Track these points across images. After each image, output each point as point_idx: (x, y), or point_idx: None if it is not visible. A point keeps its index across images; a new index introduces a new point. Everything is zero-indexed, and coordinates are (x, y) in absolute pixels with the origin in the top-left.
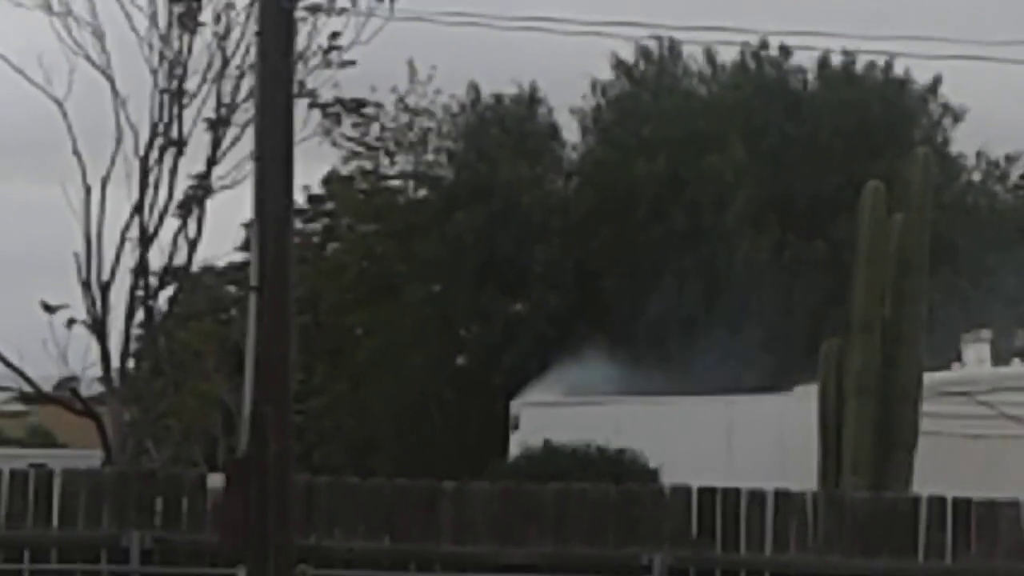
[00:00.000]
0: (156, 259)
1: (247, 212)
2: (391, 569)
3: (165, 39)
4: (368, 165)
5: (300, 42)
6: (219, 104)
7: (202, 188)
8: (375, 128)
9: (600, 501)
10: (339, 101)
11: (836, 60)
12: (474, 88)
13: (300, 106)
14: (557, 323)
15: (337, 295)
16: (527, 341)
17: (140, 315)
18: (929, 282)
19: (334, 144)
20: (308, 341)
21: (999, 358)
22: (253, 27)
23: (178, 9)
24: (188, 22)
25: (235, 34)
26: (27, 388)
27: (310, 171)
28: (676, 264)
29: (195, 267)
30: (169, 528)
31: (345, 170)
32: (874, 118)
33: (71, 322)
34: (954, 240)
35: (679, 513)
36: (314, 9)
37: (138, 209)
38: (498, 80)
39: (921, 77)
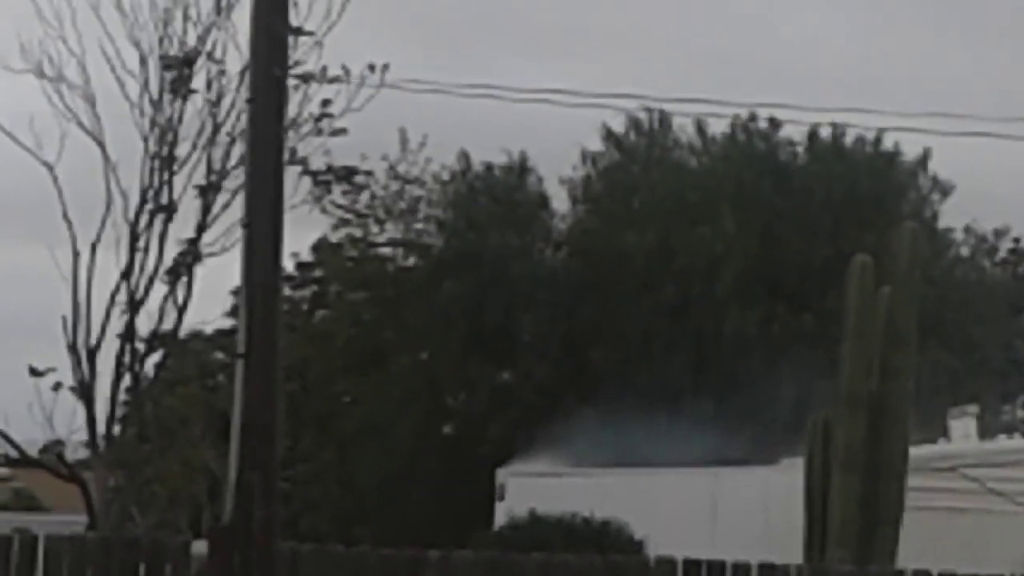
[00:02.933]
0: (144, 324)
1: (236, 278)
2: None
3: (156, 105)
4: (358, 232)
5: (291, 109)
6: (209, 170)
7: (191, 254)
8: (365, 196)
9: (585, 572)
10: (330, 169)
11: (825, 133)
12: (464, 157)
13: (291, 173)
14: (544, 393)
15: (325, 362)
16: (514, 411)
17: (127, 380)
18: (916, 356)
19: (324, 211)
20: (295, 408)
21: (986, 433)
22: (244, 94)
23: (170, 76)
24: (180, 88)
25: (226, 101)
26: (12, 452)
27: (299, 238)
28: (664, 335)
29: (183, 333)
30: None
31: (334, 237)
32: (863, 191)
33: (57, 386)
34: (942, 314)
35: None
36: (306, 77)
37: (127, 274)
38: (488, 149)
39: (910, 151)
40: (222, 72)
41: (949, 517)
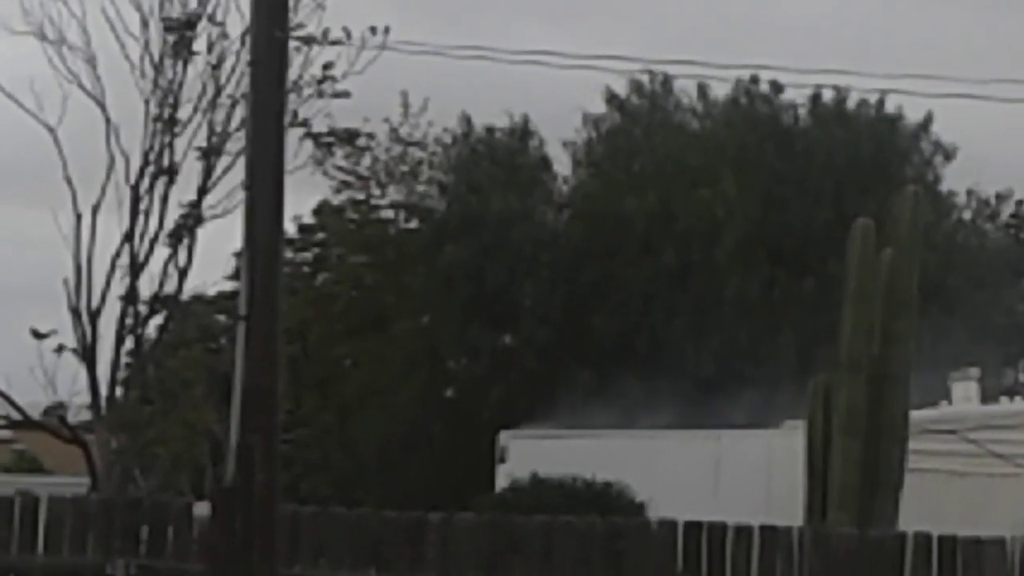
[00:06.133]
0: (146, 287)
1: (238, 241)
2: None
3: (158, 67)
4: (359, 196)
5: (293, 72)
6: (211, 133)
7: (193, 217)
8: (367, 159)
9: (586, 534)
10: (331, 131)
11: (827, 97)
12: (466, 120)
13: (292, 136)
14: (545, 357)
15: (326, 326)
16: (515, 374)
17: (129, 343)
18: (918, 320)
19: (326, 174)
20: (296, 371)
21: (987, 396)
22: (246, 57)
23: (172, 38)
24: (181, 51)
25: (228, 63)
26: (15, 414)
27: (301, 201)
28: (665, 299)
29: (185, 296)
30: (154, 556)
31: (336, 200)
32: (865, 155)
33: (60, 349)
34: (943, 278)
35: (665, 547)
36: (308, 40)
37: (129, 237)
38: (490, 112)
39: (912, 115)
40: (224, 34)
41: (950, 480)
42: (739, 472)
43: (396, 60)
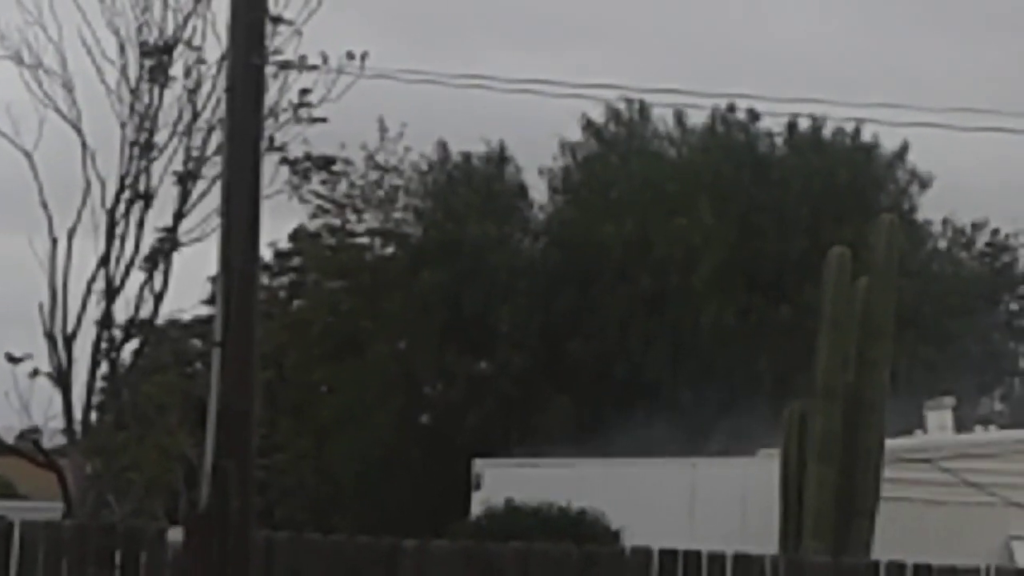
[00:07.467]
0: (121, 312)
1: (213, 266)
2: None
3: (135, 92)
4: (336, 221)
5: (270, 98)
6: (188, 158)
7: (169, 241)
8: (343, 185)
9: (561, 561)
10: (308, 157)
11: (804, 125)
12: (443, 146)
13: (269, 161)
14: (522, 383)
15: (302, 351)
16: (491, 400)
17: (104, 367)
18: (893, 348)
19: (302, 200)
20: (272, 396)
21: (962, 425)
22: (223, 82)
23: (149, 63)
24: (158, 76)
25: (205, 89)
26: None
27: (277, 226)
28: (642, 326)
29: (160, 320)
30: None
31: (313, 226)
32: (841, 184)
33: (35, 373)
34: (919, 306)
35: (640, 575)
36: (285, 65)
37: (104, 261)
38: (467, 138)
39: (889, 144)
40: (201, 60)
41: (925, 509)
42: (714, 500)
43: (373, 86)
